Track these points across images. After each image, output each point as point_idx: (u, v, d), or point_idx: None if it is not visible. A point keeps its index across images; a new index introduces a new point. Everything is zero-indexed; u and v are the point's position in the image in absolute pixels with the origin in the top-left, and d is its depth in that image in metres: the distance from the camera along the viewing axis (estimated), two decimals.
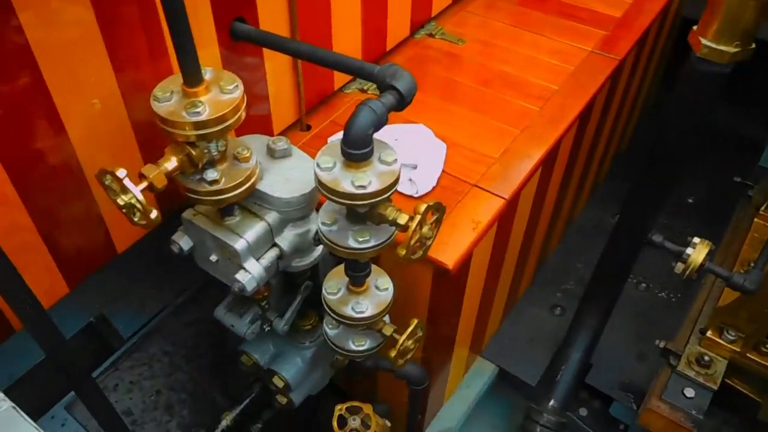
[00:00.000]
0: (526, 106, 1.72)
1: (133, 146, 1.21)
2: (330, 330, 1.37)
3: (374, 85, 1.78)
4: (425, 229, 1.04)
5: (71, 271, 1.21)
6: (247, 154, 1.09)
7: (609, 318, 1.96)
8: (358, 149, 0.99)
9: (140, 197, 0.92)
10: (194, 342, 1.98)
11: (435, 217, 1.06)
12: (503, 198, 1.45)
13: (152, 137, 1.22)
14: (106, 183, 0.96)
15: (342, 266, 1.33)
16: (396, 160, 1.04)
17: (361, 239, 1.08)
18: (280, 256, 1.22)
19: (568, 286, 2.35)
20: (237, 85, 0.99)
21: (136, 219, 0.99)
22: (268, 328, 1.44)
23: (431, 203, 1.03)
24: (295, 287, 1.43)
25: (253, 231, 1.16)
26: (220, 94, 0.99)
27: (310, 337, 1.56)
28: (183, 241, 1.22)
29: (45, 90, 1.01)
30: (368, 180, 1.00)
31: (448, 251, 1.33)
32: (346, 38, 1.64)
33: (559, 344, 2.05)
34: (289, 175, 1.20)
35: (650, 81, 2.69)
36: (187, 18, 0.88)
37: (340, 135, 1.55)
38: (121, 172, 0.91)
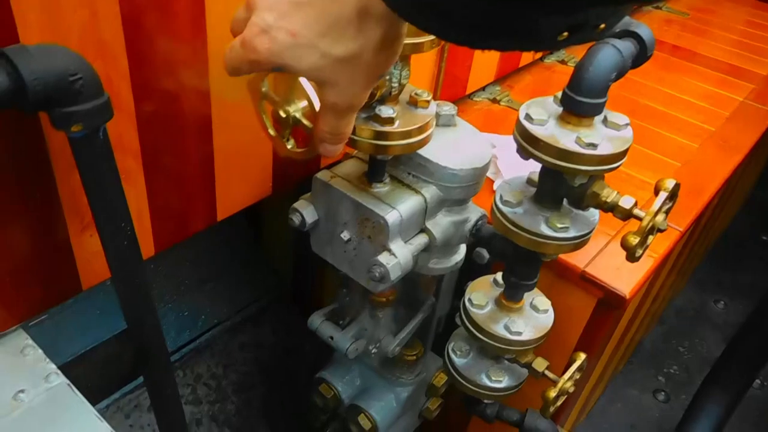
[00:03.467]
0: (684, 142, 1.49)
1: None
2: (458, 358, 1.09)
3: (507, 96, 1.58)
4: (659, 217, 0.79)
5: (163, 229, 0.96)
6: (427, 99, 0.85)
7: (734, 410, 1.65)
8: (592, 97, 0.75)
9: (317, 104, 0.68)
10: (247, 369, 1.68)
11: (670, 204, 0.80)
12: (678, 229, 1.19)
13: None
14: (264, 89, 0.72)
15: (487, 278, 1.07)
16: (628, 124, 0.80)
17: (560, 226, 0.83)
18: (428, 247, 0.96)
19: (671, 371, 2.03)
20: None
21: (290, 146, 0.75)
22: (375, 350, 1.16)
23: (673, 180, 0.78)
24: (414, 302, 1.16)
25: (408, 204, 0.91)
26: None
27: (410, 372, 1.27)
28: (307, 212, 0.96)
29: None
30: (598, 140, 0.75)
31: (623, 277, 1.06)
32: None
33: None
34: (455, 146, 0.96)
35: None
36: None
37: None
38: None
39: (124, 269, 0.77)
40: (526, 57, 1.67)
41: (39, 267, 0.81)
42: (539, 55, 1.73)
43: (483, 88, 1.57)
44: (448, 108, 0.98)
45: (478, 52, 1.42)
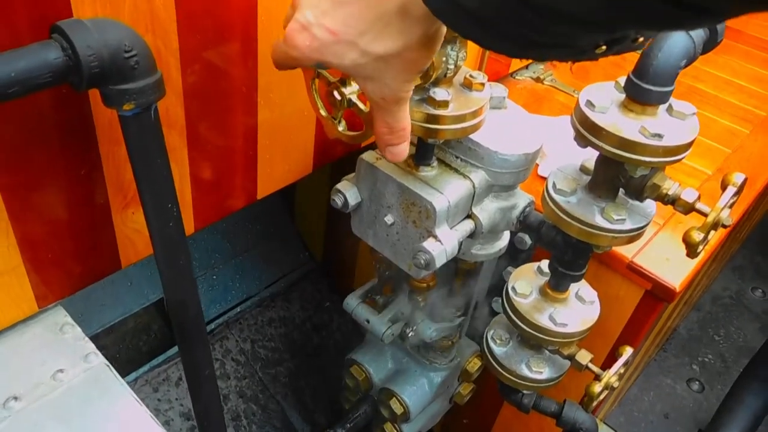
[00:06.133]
0: (734, 127, 1.44)
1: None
2: (497, 347, 1.07)
3: (550, 75, 1.53)
4: (724, 213, 0.75)
5: (203, 207, 0.94)
6: (482, 81, 0.82)
7: None
8: (659, 85, 0.71)
9: None
10: (276, 345, 1.68)
11: (734, 199, 0.77)
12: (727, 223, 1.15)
13: None
14: (319, 70, 0.70)
15: (530, 265, 1.04)
16: (695, 114, 0.76)
17: (616, 217, 0.80)
18: (473, 233, 0.94)
19: (707, 360, 2.00)
20: None
21: (341, 128, 0.73)
22: (411, 333, 1.14)
23: (742, 174, 0.75)
24: (452, 286, 1.14)
25: (455, 189, 0.88)
26: None
27: (445, 357, 1.26)
28: (350, 193, 0.94)
29: None
30: (663, 130, 0.72)
31: (672, 269, 1.03)
32: None
33: (701, 426, 1.70)
34: (505, 129, 0.92)
35: None
36: None
37: None
38: None
39: (169, 249, 0.75)
40: None
41: (79, 243, 0.80)
42: None
43: (526, 67, 1.52)
44: (499, 90, 0.95)
45: None
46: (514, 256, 1.16)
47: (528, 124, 0.95)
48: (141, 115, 0.63)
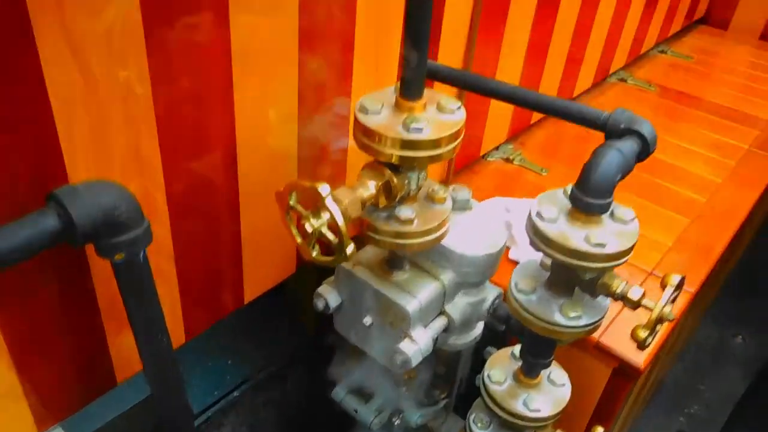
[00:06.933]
0: (692, 196, 1.53)
1: (290, 168, 1.04)
2: (479, 430, 1.12)
3: (519, 155, 1.63)
4: (667, 308, 0.82)
5: (193, 320, 1.01)
6: (444, 195, 0.90)
7: None
8: (599, 198, 0.79)
9: (341, 221, 0.73)
10: (271, 428, 1.72)
11: (675, 294, 0.84)
12: (689, 291, 1.22)
13: (312, 160, 1.06)
14: (291, 203, 0.77)
15: (505, 351, 1.10)
16: (635, 219, 0.84)
17: (572, 314, 0.86)
18: (447, 328, 1.00)
19: (692, 411, 2.04)
20: (460, 107, 0.82)
21: (315, 253, 0.80)
22: (398, 421, 1.19)
23: (679, 275, 0.82)
24: (435, 374, 1.19)
25: (427, 291, 0.95)
26: (439, 114, 0.81)
27: None
28: (331, 296, 1.01)
29: (228, 86, 0.86)
30: (605, 238, 0.79)
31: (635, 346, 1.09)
32: (500, 111, 1.49)
33: None
34: (471, 231, 1.00)
35: None
36: (430, 8, 0.72)
37: (492, 200, 1.38)
38: (324, 188, 0.73)
39: (158, 373, 0.82)
40: (537, 114, 1.71)
41: (77, 367, 0.86)
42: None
43: (496, 148, 1.61)
44: (464, 193, 1.03)
45: (493, 108, 1.46)
46: (493, 336, 1.22)
47: (493, 223, 1.02)
48: (131, 262, 0.70)
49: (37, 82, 0.64)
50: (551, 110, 0.97)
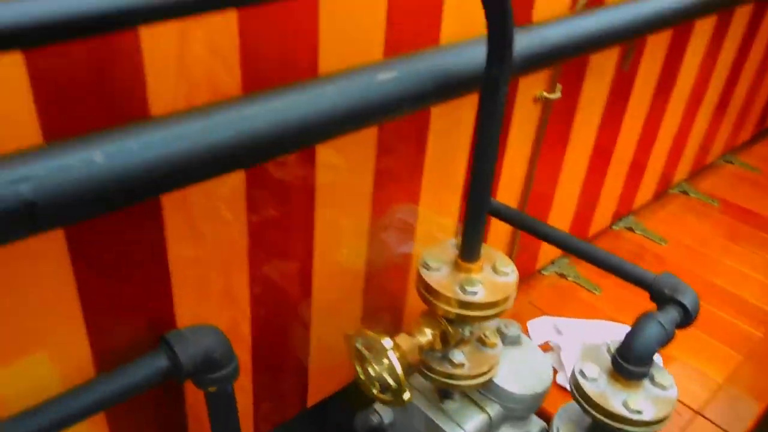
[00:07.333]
0: (748, 329, 1.55)
1: (356, 308, 1.15)
2: None
3: (574, 271, 1.69)
4: None
5: (262, 422, 1.12)
6: (494, 341, 0.99)
7: None
8: (638, 366, 0.87)
9: (400, 371, 0.83)
10: None
11: None
12: None
13: (375, 304, 1.18)
14: (358, 346, 0.88)
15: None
16: (673, 385, 0.90)
17: None
18: None
19: None
20: (512, 269, 0.92)
21: (376, 392, 0.90)
22: None
23: None
24: None
25: (474, 423, 1.03)
26: (494, 275, 0.91)
27: None
28: (386, 414, 1.11)
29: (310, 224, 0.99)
30: (643, 405, 0.86)
31: None
32: (559, 221, 1.57)
33: None
34: (519, 367, 1.08)
35: None
36: (491, 182, 0.83)
37: (542, 319, 1.45)
38: (387, 342, 0.83)
39: None
40: (595, 226, 1.78)
41: None
42: (607, 224, 1.84)
43: (552, 262, 1.68)
44: (514, 328, 1.11)
45: (551, 222, 1.54)
46: None
47: (540, 361, 1.10)
48: (220, 393, 0.82)
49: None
50: (602, 263, 1.05)
